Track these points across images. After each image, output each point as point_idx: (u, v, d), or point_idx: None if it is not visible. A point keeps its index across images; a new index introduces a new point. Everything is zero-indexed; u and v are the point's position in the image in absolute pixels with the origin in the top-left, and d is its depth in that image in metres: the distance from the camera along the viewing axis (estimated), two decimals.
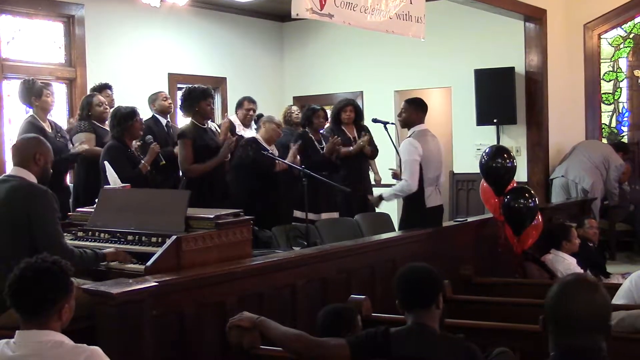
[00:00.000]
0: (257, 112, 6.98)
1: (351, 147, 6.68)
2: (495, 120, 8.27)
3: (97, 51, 7.77)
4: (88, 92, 6.51)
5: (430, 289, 2.86)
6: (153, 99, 6.54)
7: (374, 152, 6.90)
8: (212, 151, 5.51)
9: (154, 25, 8.49)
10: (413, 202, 5.37)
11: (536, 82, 8.27)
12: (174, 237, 3.65)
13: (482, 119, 8.33)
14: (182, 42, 8.83)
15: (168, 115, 6.57)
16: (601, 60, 9.05)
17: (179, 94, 6.06)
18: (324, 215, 6.24)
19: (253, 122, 6.87)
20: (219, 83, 9.21)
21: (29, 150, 3.66)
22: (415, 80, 9.04)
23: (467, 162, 8.54)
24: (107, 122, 6.01)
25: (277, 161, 5.78)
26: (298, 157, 6.11)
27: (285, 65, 10.20)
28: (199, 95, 5.52)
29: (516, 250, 5.76)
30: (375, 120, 6.43)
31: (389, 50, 9.07)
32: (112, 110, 5.55)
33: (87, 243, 4.02)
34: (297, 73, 10.08)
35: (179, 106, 5.70)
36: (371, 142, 6.83)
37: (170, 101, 6.58)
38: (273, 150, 5.95)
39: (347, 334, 2.99)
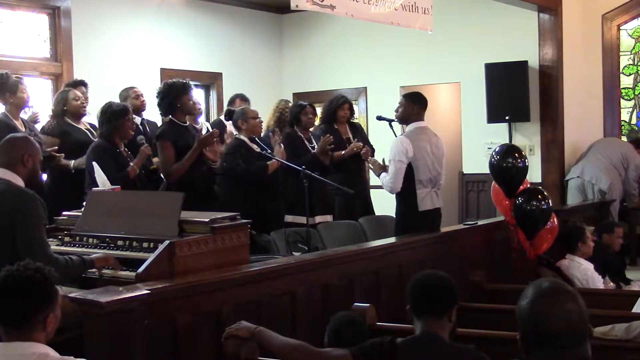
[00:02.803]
0: (227, 108, 6.86)
1: (343, 152, 6.57)
2: (507, 118, 8.26)
3: (85, 45, 7.77)
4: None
5: (446, 298, 2.89)
6: (124, 97, 6.45)
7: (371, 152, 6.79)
8: None
9: (146, 18, 8.50)
10: (405, 205, 5.38)
11: (551, 77, 8.26)
12: (167, 242, 3.64)
13: (493, 116, 8.32)
14: (175, 35, 8.83)
15: (142, 113, 6.52)
16: (621, 53, 9.03)
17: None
18: (319, 219, 6.16)
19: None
20: (215, 79, 9.22)
21: (17, 151, 3.65)
22: (422, 75, 9.03)
23: (477, 161, 8.53)
24: (83, 119, 5.98)
25: (269, 163, 5.74)
26: (282, 147, 6.01)
27: (284, 59, 10.20)
28: (180, 89, 5.39)
29: (529, 255, 5.76)
30: (379, 118, 6.41)
31: (394, 44, 9.07)
32: (102, 106, 5.50)
33: (74, 249, 4.02)
34: (296, 68, 10.08)
35: (157, 104, 5.53)
36: (366, 140, 6.78)
37: (143, 98, 6.48)
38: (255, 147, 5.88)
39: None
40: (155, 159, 5.68)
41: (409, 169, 5.29)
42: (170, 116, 5.48)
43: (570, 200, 8.25)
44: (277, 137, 6.12)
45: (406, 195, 5.31)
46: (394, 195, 5.44)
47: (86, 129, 5.88)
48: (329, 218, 6.34)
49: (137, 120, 6.28)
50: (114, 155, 5.23)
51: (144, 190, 5.31)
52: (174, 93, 5.39)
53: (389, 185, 5.33)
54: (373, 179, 7.39)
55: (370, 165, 5.90)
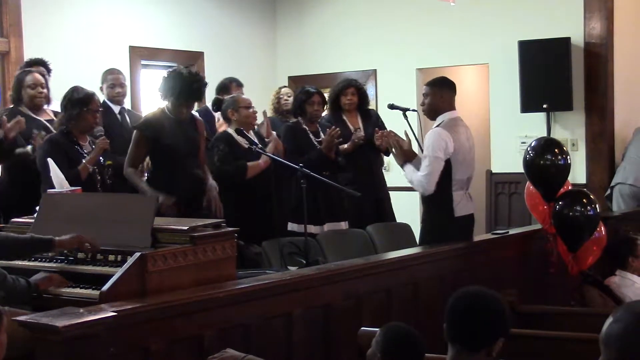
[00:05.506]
0: (215, 97, 6.85)
1: (346, 145, 6.60)
2: (545, 106, 8.26)
3: (37, 18, 7.73)
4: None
5: (489, 329, 2.80)
6: (102, 81, 6.51)
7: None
8: None
9: None
10: (439, 210, 5.40)
11: (599, 57, 8.25)
12: (138, 254, 3.65)
13: (529, 104, 8.32)
14: (147, 7, 8.82)
15: (124, 101, 6.52)
16: None
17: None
18: (328, 226, 6.23)
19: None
20: (195, 59, 9.21)
21: None
22: (443, 55, 9.03)
23: (508, 159, 8.53)
24: (47, 109, 5.95)
25: (250, 165, 5.75)
26: (280, 143, 6.04)
27: (278, 36, 10.20)
28: (199, 86, 5.38)
29: (572, 271, 5.77)
30: (392, 107, 6.41)
31: (409, 18, 9.08)
32: (67, 90, 5.46)
33: (25, 263, 4.02)
34: (293, 47, 10.08)
35: (159, 86, 5.47)
36: (381, 129, 6.75)
37: (119, 89, 6.49)
38: (254, 137, 5.92)
39: None
40: None
41: (445, 167, 5.30)
42: (166, 104, 5.43)
43: (621, 205, 8.20)
44: (267, 125, 6.09)
45: (440, 198, 5.33)
46: (421, 198, 5.46)
47: (47, 120, 5.83)
48: (342, 225, 6.37)
49: (116, 109, 6.31)
50: (67, 151, 5.21)
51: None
52: (184, 90, 5.31)
53: (423, 185, 5.31)
54: (395, 180, 7.37)
55: (392, 151, 5.66)
